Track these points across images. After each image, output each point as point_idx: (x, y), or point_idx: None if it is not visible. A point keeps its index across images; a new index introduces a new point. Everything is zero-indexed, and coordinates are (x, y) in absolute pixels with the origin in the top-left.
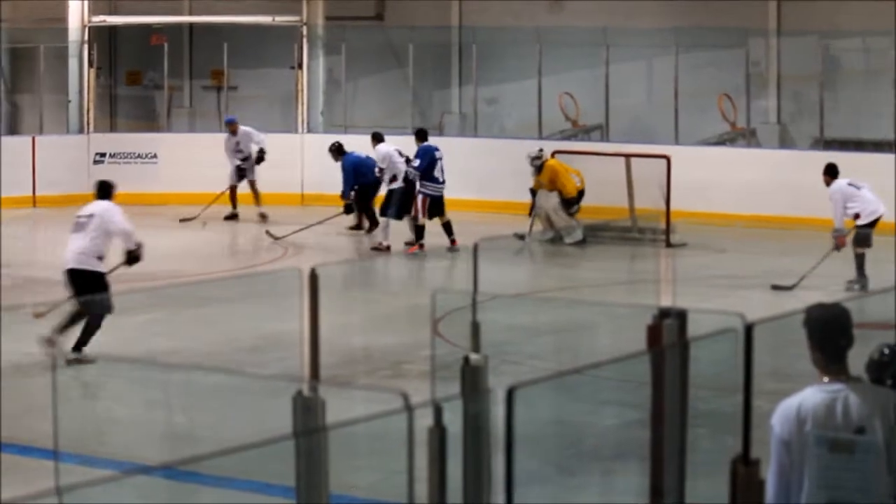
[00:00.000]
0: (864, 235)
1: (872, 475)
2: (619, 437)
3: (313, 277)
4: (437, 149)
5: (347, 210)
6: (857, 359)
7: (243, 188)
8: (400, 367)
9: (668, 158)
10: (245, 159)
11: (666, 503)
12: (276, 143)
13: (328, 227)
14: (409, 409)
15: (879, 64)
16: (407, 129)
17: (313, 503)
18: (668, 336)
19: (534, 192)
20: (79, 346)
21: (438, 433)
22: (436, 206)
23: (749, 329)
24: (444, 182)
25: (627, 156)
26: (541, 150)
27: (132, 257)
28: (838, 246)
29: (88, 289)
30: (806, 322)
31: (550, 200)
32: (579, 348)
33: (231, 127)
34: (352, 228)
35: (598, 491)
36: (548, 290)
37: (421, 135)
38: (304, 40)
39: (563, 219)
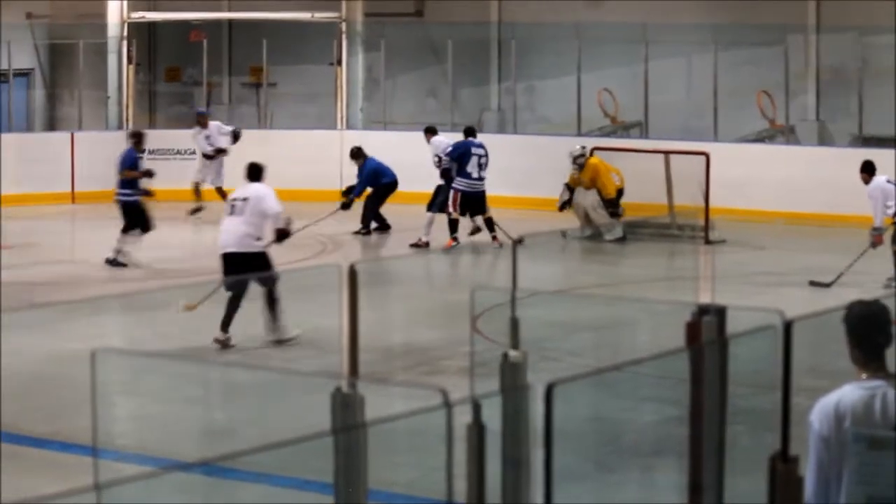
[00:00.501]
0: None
1: None
2: (657, 433)
3: (352, 273)
4: (478, 145)
5: (345, 206)
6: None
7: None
8: (438, 364)
9: (707, 155)
10: (214, 154)
11: (705, 500)
12: (314, 140)
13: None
14: (448, 405)
15: None
16: (446, 126)
17: (352, 500)
18: (707, 333)
19: (570, 187)
20: (224, 325)
21: (477, 430)
22: (470, 203)
23: (788, 326)
24: (480, 179)
25: (666, 153)
26: (583, 148)
27: (282, 234)
28: (874, 244)
29: (248, 269)
30: (845, 319)
31: (588, 198)
32: (618, 345)
33: (201, 120)
34: (356, 233)
35: (636, 488)
36: (587, 287)
37: (468, 132)
38: (344, 37)
39: (602, 216)
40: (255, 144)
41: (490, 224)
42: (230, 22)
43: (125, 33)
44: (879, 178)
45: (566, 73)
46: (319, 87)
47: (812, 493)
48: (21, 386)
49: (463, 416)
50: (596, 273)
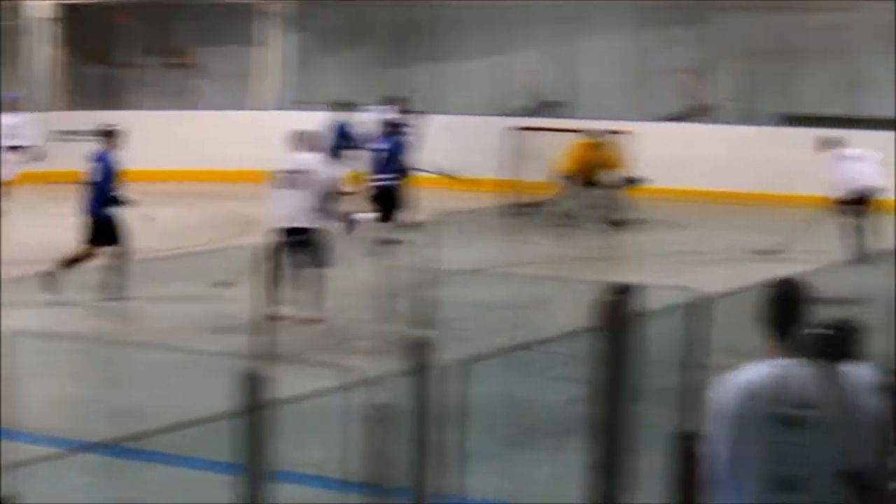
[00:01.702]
0: (853, 209)
1: (821, 450)
2: (569, 412)
3: (265, 254)
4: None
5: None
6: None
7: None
8: (351, 344)
9: (631, 134)
10: (16, 148)
11: (611, 478)
12: (241, 120)
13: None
14: (356, 385)
15: (841, 39)
16: (373, 107)
17: (259, 479)
18: (620, 311)
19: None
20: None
21: (386, 409)
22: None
23: (701, 304)
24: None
25: (584, 131)
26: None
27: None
28: (832, 212)
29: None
30: (763, 297)
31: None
32: (534, 324)
33: (10, 105)
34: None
35: (547, 466)
36: (504, 266)
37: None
38: (272, 17)
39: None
40: (183, 125)
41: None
42: (157, 3)
43: (50, 14)
44: (837, 153)
45: (493, 54)
46: (247, 68)
47: (718, 471)
48: None
49: (373, 396)
50: (515, 252)
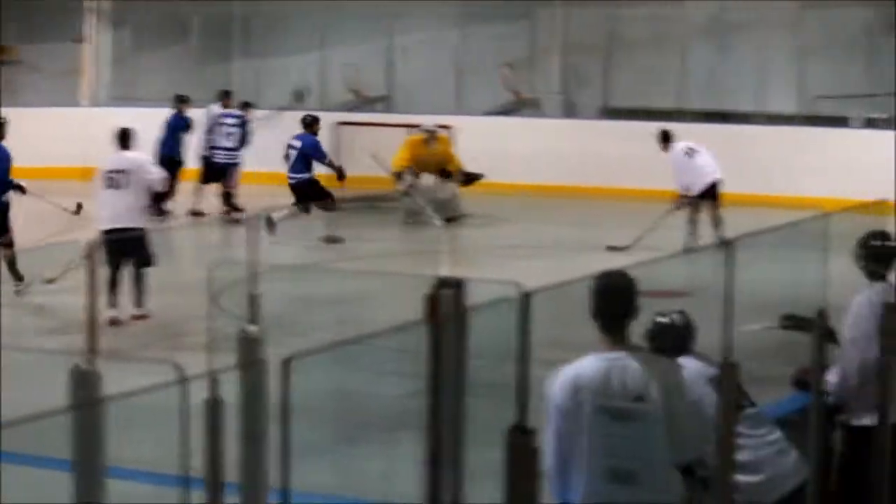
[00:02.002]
0: (707, 203)
1: (652, 443)
2: (399, 406)
3: (92, 250)
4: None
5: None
6: (643, 326)
7: None
8: (179, 340)
9: (451, 129)
10: None
11: (444, 473)
12: (60, 117)
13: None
14: (184, 380)
15: (665, 32)
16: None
17: (90, 476)
18: (446, 306)
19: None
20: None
21: (214, 405)
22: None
23: (525, 298)
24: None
25: (410, 126)
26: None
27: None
28: (677, 207)
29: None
30: (591, 290)
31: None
32: (361, 319)
33: None
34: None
35: (378, 460)
36: (328, 261)
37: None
38: (91, 14)
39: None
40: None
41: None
42: None
43: None
44: (678, 148)
45: (312, 49)
46: (66, 64)
47: (551, 465)
48: None
49: (202, 392)
50: (338, 247)
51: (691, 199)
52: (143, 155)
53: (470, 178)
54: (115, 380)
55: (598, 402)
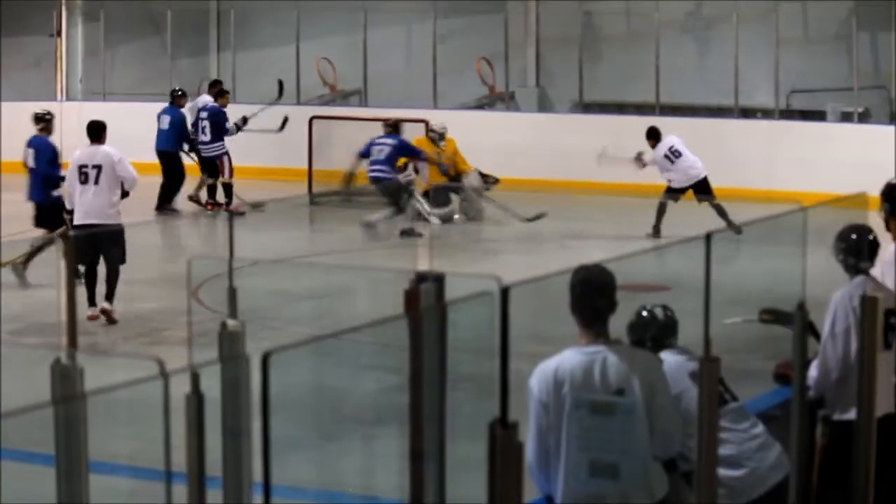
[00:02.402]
0: (702, 197)
1: (632, 436)
2: (379, 401)
3: (69, 245)
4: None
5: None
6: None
7: None
8: (159, 334)
9: (426, 123)
10: None
11: (426, 467)
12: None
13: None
14: (164, 375)
15: (640, 26)
16: (165, 97)
17: (73, 471)
18: (425, 300)
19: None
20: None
21: (196, 400)
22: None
23: (505, 292)
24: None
25: (385, 120)
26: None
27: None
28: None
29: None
30: (569, 285)
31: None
32: (340, 313)
33: None
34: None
35: (359, 455)
36: (307, 256)
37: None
38: (63, 8)
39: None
40: None
41: (212, 191)
42: None
43: None
44: (663, 146)
45: (285, 42)
46: (40, 58)
47: (533, 458)
48: None
49: (183, 387)
50: (316, 242)
51: (697, 195)
52: (116, 150)
53: (487, 180)
54: (96, 375)
55: (577, 395)
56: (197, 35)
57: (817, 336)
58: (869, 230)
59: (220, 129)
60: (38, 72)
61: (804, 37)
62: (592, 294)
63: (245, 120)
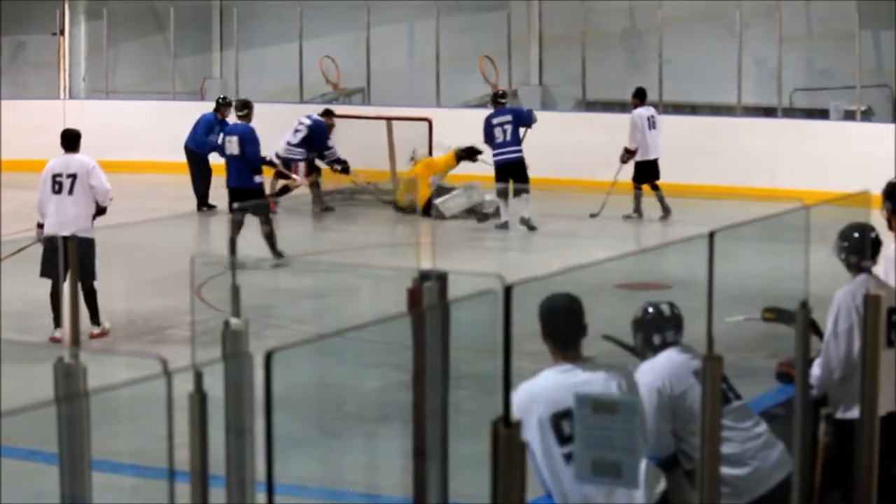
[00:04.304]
0: (640, 173)
1: (632, 433)
2: (382, 399)
3: (71, 244)
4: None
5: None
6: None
7: None
8: (162, 333)
9: (429, 121)
10: None
11: (429, 465)
12: (38, 110)
13: None
14: (167, 374)
15: (642, 24)
16: (168, 95)
17: (76, 469)
18: (428, 298)
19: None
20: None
21: (199, 398)
22: None
23: (508, 290)
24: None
25: (389, 119)
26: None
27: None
28: (623, 160)
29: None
30: (539, 314)
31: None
32: (343, 311)
33: None
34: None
35: (362, 453)
36: (311, 254)
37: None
38: (66, 6)
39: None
40: None
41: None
42: None
43: None
44: (642, 110)
45: (288, 40)
46: (43, 57)
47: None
48: None
49: (186, 385)
50: (320, 240)
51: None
52: (91, 158)
53: (471, 153)
54: (99, 373)
55: (553, 410)
56: (200, 33)
57: (820, 334)
58: (871, 228)
59: (314, 140)
60: (42, 70)
61: (807, 35)
62: (564, 322)
63: (345, 164)
